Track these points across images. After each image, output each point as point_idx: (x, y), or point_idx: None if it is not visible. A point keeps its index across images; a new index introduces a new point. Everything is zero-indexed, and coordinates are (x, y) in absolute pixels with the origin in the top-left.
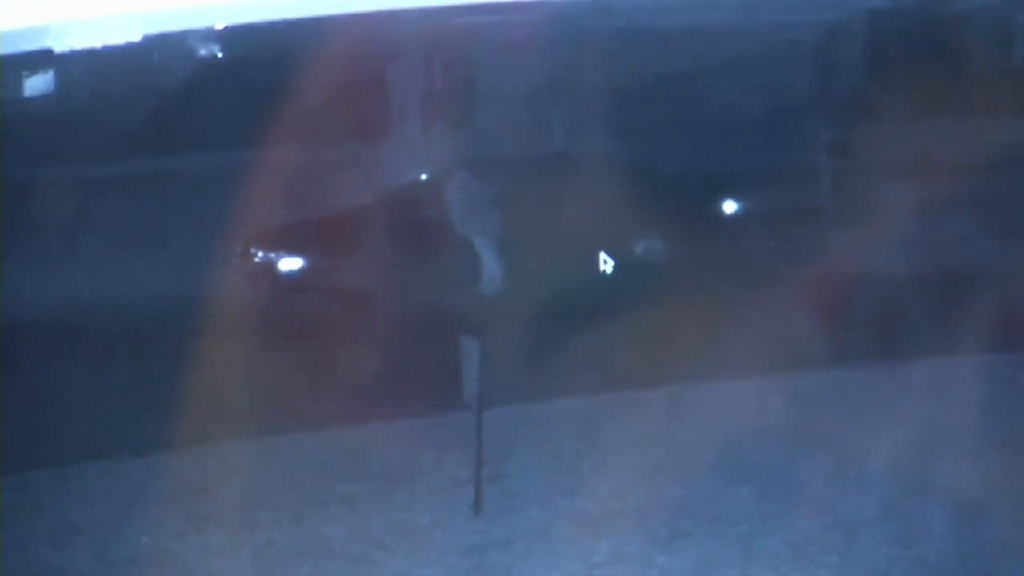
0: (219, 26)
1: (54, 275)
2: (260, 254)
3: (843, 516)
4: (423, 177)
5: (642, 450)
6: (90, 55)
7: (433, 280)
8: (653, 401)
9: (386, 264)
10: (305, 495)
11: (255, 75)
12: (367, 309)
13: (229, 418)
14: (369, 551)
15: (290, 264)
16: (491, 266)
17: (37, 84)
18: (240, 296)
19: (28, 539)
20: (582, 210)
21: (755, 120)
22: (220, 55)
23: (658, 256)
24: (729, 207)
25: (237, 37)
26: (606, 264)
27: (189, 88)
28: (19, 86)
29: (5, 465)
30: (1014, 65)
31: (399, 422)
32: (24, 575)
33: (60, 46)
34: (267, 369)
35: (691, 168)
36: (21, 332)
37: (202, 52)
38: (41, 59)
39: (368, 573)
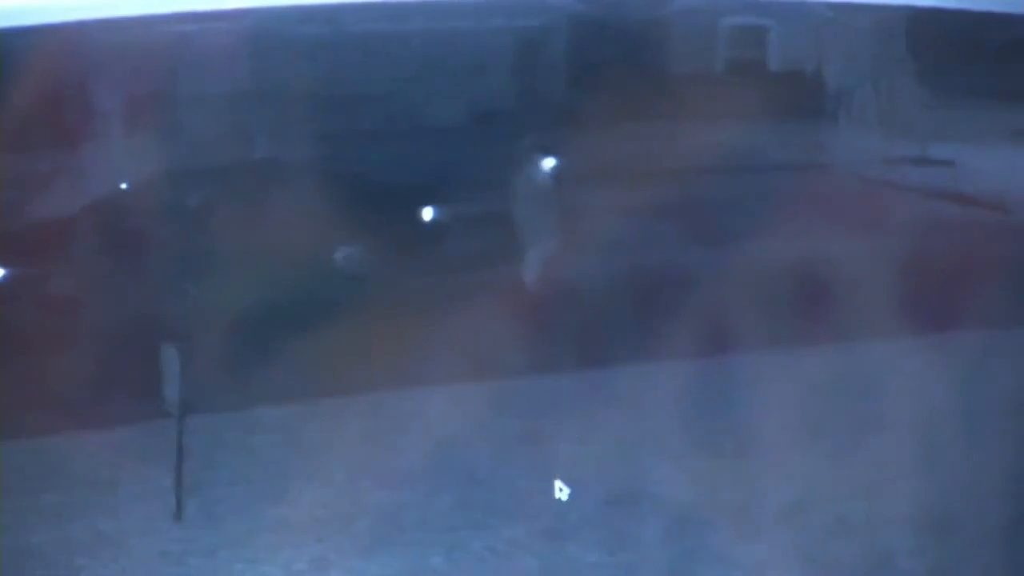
0: None
1: None
2: None
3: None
4: (124, 186)
5: (346, 457)
6: None
7: (134, 288)
8: (356, 408)
9: (88, 273)
10: (8, 504)
11: None
12: (69, 318)
13: None
14: (73, 559)
15: None
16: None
17: None
18: None
19: None
20: (285, 218)
21: (458, 127)
22: None
23: (362, 264)
24: (433, 214)
25: None
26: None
27: None
28: None
29: None
30: (717, 69)
31: (103, 430)
32: None
33: None
34: None
35: (395, 175)
36: None
37: None
38: None
39: None
